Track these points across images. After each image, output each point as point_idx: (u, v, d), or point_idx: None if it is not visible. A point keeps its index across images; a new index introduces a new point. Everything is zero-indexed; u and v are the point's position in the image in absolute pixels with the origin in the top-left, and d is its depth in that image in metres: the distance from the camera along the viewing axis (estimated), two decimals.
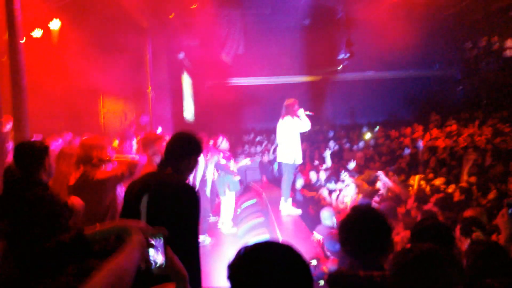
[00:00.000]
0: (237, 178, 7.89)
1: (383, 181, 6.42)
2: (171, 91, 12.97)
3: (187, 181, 2.70)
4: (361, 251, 2.15)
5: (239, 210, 9.15)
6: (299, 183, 7.94)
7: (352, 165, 9.10)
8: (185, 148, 2.68)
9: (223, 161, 7.60)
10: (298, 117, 6.63)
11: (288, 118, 6.67)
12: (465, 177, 6.52)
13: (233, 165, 8.00)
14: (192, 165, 2.72)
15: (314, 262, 4.33)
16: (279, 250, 1.17)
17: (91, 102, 9.33)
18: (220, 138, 7.95)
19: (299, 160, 6.88)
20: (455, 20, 14.38)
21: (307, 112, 6.69)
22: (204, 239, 6.64)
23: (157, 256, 1.49)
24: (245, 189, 10.76)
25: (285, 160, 6.86)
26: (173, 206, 2.45)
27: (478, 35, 15.52)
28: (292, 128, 6.67)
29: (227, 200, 7.75)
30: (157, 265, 1.50)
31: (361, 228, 2.18)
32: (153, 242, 1.49)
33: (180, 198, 2.49)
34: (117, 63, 9.79)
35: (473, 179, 6.23)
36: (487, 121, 13.10)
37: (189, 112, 14.58)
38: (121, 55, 9.96)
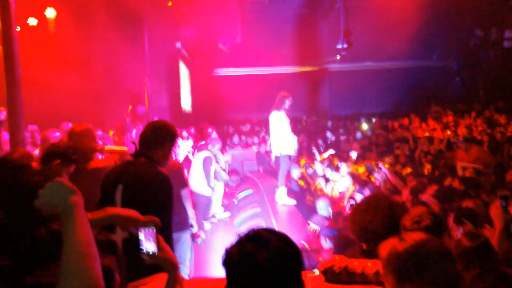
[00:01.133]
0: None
1: (383, 172, 6.45)
2: (168, 81, 12.92)
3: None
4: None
5: (235, 200, 9.17)
6: (296, 173, 7.96)
7: (354, 154, 9.10)
8: (158, 137, 2.70)
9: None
10: (287, 110, 6.71)
11: (277, 112, 6.72)
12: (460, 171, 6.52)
13: (221, 157, 8.06)
14: (166, 153, 2.74)
15: (306, 245, 4.36)
16: (272, 236, 1.20)
17: (87, 92, 9.26)
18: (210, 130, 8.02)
19: (292, 151, 6.89)
20: (453, 10, 14.30)
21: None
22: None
23: (148, 245, 1.50)
24: (242, 180, 10.77)
25: (278, 151, 6.90)
26: (146, 195, 2.49)
27: (476, 25, 15.46)
28: (283, 120, 6.71)
29: (215, 191, 7.82)
30: (149, 254, 1.50)
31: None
32: (144, 231, 1.49)
33: (153, 188, 2.52)
34: (114, 52, 9.72)
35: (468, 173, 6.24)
36: (483, 112, 13.12)
37: (186, 102, 14.53)
38: (117, 44, 9.88)
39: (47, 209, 1.17)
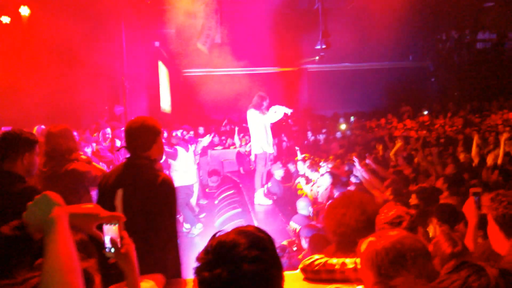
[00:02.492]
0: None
1: (357, 169, 6.52)
2: (147, 81, 12.76)
3: (162, 170, 2.67)
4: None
5: (216, 201, 9.14)
6: (278, 173, 7.88)
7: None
8: (150, 135, 2.58)
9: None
10: (266, 110, 6.76)
11: (253, 110, 6.75)
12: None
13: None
14: (161, 148, 2.65)
15: (285, 242, 4.39)
16: (246, 244, 1.15)
17: (63, 91, 9.05)
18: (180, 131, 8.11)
19: (268, 150, 6.95)
20: (429, 12, 14.62)
21: (286, 110, 6.80)
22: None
23: (111, 242, 1.46)
24: (222, 180, 10.74)
25: (253, 150, 6.95)
26: (150, 199, 2.40)
27: (451, 27, 15.85)
28: (258, 120, 6.76)
29: None
30: (112, 252, 1.47)
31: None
32: (107, 228, 1.45)
33: (156, 191, 2.42)
34: (90, 52, 9.54)
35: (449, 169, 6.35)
36: (458, 112, 13.46)
37: (165, 102, 14.39)
38: (94, 44, 9.70)
39: (34, 222, 1.17)
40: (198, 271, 1.16)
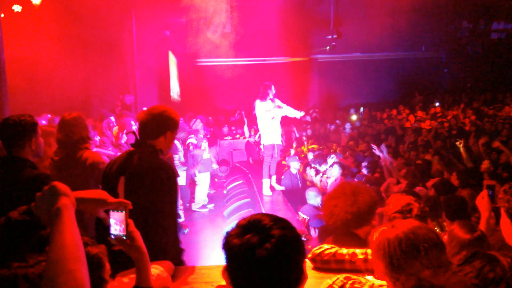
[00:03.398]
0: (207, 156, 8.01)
1: (377, 154, 6.51)
2: (157, 70, 12.76)
3: (165, 159, 2.66)
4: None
5: (225, 191, 9.18)
6: (294, 166, 7.54)
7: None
8: (160, 126, 2.56)
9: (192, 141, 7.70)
10: (272, 100, 6.62)
11: (259, 102, 6.66)
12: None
13: (206, 148, 8.06)
14: (169, 141, 2.62)
15: (303, 237, 4.39)
16: (275, 225, 1.18)
17: (74, 81, 9.09)
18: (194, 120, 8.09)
19: (276, 141, 6.84)
20: (443, 1, 14.35)
21: (297, 114, 6.73)
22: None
23: (117, 229, 1.45)
24: (232, 170, 10.77)
25: (262, 141, 6.90)
26: (151, 187, 2.40)
27: (465, 17, 15.55)
28: (265, 110, 6.64)
29: (199, 182, 7.82)
30: (118, 239, 1.46)
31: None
32: (114, 214, 1.45)
33: (158, 179, 2.42)
34: (100, 41, 9.56)
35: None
36: (471, 104, 13.26)
37: (175, 92, 14.40)
38: (105, 32, 9.71)
39: (42, 212, 1.19)
40: (227, 241, 1.19)
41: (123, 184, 2.45)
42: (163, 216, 2.39)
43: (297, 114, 6.84)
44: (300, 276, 1.19)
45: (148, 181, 2.40)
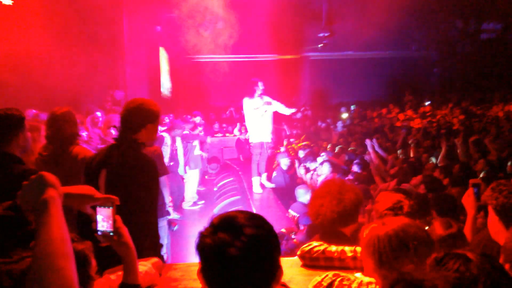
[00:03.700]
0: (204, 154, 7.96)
1: (369, 149, 6.53)
2: (148, 66, 12.66)
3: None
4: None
5: (215, 188, 9.16)
6: (284, 162, 7.66)
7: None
8: (139, 119, 2.55)
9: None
10: (261, 97, 6.52)
11: (247, 99, 6.56)
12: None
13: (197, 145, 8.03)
14: (150, 133, 2.62)
15: (283, 230, 4.41)
16: (247, 222, 1.16)
17: (62, 76, 8.98)
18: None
19: (264, 139, 6.74)
20: (433, 1, 14.45)
21: (287, 111, 6.67)
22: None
23: (104, 225, 1.44)
24: (222, 167, 10.76)
25: (249, 140, 6.84)
26: (131, 180, 2.41)
27: (455, 17, 15.67)
28: (252, 108, 6.54)
29: (189, 179, 7.79)
30: (105, 235, 1.44)
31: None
32: (101, 210, 1.43)
33: (138, 172, 2.44)
34: (91, 36, 9.44)
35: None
36: (460, 103, 13.39)
37: (166, 88, 14.32)
38: (95, 27, 9.60)
39: (27, 202, 1.13)
40: (200, 240, 1.17)
41: (104, 177, 2.46)
42: (143, 210, 2.39)
43: (287, 111, 6.79)
44: (275, 272, 1.18)
45: (128, 175, 2.42)
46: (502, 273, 1.07)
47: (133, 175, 2.42)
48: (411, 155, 7.02)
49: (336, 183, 2.50)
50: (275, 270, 1.18)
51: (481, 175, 5.02)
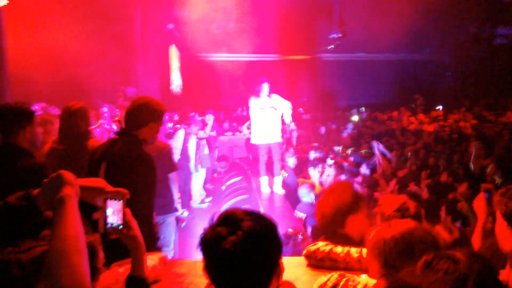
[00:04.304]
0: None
1: (376, 151, 6.48)
2: (159, 63, 12.75)
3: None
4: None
5: (223, 186, 9.18)
6: (291, 161, 7.56)
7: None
8: (142, 117, 2.62)
9: (201, 134, 7.67)
10: (269, 96, 6.33)
11: (253, 99, 6.40)
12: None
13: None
14: (153, 132, 2.67)
15: (290, 230, 4.39)
16: (246, 217, 1.19)
17: (75, 72, 9.07)
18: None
19: (270, 140, 6.53)
20: (448, 4, 14.31)
21: (286, 109, 6.49)
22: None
23: (114, 218, 1.45)
24: (231, 166, 10.77)
25: (253, 140, 6.73)
26: (128, 174, 2.46)
27: (470, 21, 15.49)
28: (258, 107, 6.39)
29: (198, 177, 7.81)
30: (113, 226, 1.45)
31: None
32: (111, 203, 1.45)
33: (135, 166, 2.49)
34: (104, 32, 9.53)
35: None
36: (473, 108, 13.24)
37: (176, 85, 14.39)
38: (108, 24, 9.68)
39: (45, 200, 1.18)
40: (202, 235, 1.21)
41: (104, 170, 2.51)
42: (139, 204, 2.40)
43: (287, 119, 6.54)
44: (272, 269, 1.19)
45: (126, 169, 2.47)
46: (491, 272, 1.06)
47: (131, 170, 2.47)
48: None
49: (339, 184, 2.51)
50: (272, 267, 1.19)
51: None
